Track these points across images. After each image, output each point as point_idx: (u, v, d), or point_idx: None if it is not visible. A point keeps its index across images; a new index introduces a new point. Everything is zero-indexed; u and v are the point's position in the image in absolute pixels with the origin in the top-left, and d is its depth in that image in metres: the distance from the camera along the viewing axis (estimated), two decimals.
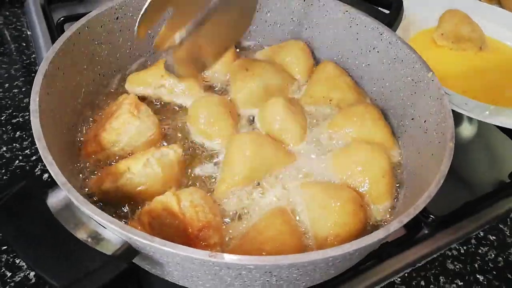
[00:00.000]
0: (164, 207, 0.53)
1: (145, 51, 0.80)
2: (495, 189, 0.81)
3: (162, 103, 0.74)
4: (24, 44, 1.11)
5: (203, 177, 0.64)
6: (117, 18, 0.72)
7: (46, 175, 0.78)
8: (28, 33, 1.13)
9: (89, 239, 0.44)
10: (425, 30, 1.00)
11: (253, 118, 0.73)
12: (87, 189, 0.60)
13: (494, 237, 0.74)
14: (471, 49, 0.95)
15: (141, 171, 0.58)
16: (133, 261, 0.46)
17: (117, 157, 0.63)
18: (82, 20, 0.66)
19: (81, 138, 0.66)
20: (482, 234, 0.75)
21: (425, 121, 0.65)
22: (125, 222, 0.56)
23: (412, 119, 0.69)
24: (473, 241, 0.74)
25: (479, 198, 0.79)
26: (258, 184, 0.62)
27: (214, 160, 0.66)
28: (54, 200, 0.47)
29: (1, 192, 0.63)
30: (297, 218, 0.59)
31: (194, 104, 0.69)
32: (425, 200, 0.48)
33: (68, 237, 0.43)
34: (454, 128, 0.57)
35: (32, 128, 0.50)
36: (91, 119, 0.70)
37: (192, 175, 0.64)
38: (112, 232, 0.44)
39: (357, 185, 0.62)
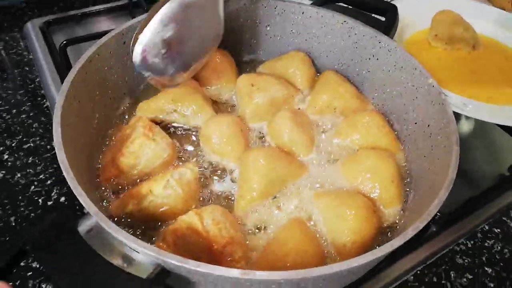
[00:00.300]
0: (188, 226, 0.56)
1: None
2: (496, 183, 0.85)
3: (174, 125, 0.76)
4: (27, 69, 1.12)
5: (220, 194, 0.66)
6: (124, 43, 0.74)
7: (63, 198, 0.80)
8: (30, 57, 1.15)
9: (124, 264, 0.47)
10: (419, 31, 1.03)
11: (262, 131, 0.76)
12: (108, 212, 0.62)
13: (498, 230, 0.77)
14: (465, 48, 0.97)
15: (162, 192, 0.60)
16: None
17: (136, 180, 0.65)
18: (93, 48, 0.68)
19: (99, 164, 0.68)
20: (487, 227, 0.78)
21: (428, 126, 0.68)
22: (151, 242, 0.58)
23: (416, 123, 0.72)
24: (479, 235, 0.77)
25: (482, 193, 0.82)
26: (275, 197, 0.64)
27: (230, 177, 0.68)
28: (85, 228, 0.49)
29: (19, 224, 0.66)
30: (314, 227, 0.61)
31: (206, 125, 0.71)
32: (436, 206, 0.51)
33: (104, 264, 0.45)
34: (458, 132, 0.60)
35: (59, 161, 0.52)
36: (106, 143, 0.72)
37: (210, 192, 0.66)
38: (145, 256, 0.46)
39: (368, 191, 0.65)
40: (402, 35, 1.00)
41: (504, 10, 1.17)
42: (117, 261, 0.46)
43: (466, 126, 0.95)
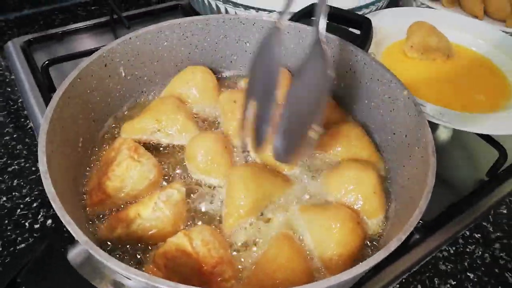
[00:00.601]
0: (177, 248, 0.56)
1: (134, 92, 0.83)
2: (475, 188, 0.87)
3: (159, 144, 0.77)
4: (9, 89, 1.11)
5: (208, 213, 0.67)
6: (105, 65, 0.75)
7: (49, 221, 0.80)
8: (12, 77, 1.14)
9: None
10: (395, 42, 1.06)
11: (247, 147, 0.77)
12: (96, 235, 0.62)
13: (479, 235, 0.80)
14: (440, 58, 1.01)
15: (150, 215, 0.61)
16: None
17: (123, 203, 0.66)
18: (74, 72, 0.68)
19: (85, 187, 0.68)
20: (468, 233, 0.80)
21: (406, 136, 0.70)
22: (138, 265, 0.59)
23: (394, 134, 0.74)
24: (460, 240, 0.79)
25: (463, 198, 0.85)
26: (261, 213, 0.65)
27: (216, 195, 0.69)
28: (74, 256, 0.49)
29: (6, 248, 0.65)
30: (302, 241, 0.63)
31: (191, 143, 0.72)
32: (417, 216, 0.53)
33: None
34: (434, 143, 0.63)
35: (45, 190, 0.52)
36: (91, 166, 0.72)
37: (198, 211, 0.67)
38: (136, 282, 0.47)
39: (352, 203, 0.67)
40: (379, 46, 1.03)
41: (477, 18, 1.21)
42: None
43: (444, 134, 0.98)
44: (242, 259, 0.60)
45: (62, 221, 0.49)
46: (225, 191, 0.67)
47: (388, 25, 1.04)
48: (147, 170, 0.67)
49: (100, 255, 0.46)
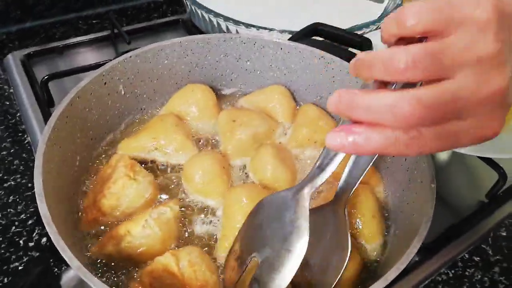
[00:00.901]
0: (164, 268, 0.56)
1: (133, 109, 0.83)
2: (475, 210, 0.87)
3: (156, 162, 0.76)
4: (8, 103, 1.11)
5: (202, 233, 0.67)
6: (105, 84, 0.75)
7: (44, 239, 0.79)
8: (10, 90, 1.14)
9: None
10: None
11: (245, 166, 0.77)
12: (89, 254, 0.62)
13: (478, 258, 0.79)
14: None
15: (140, 232, 0.61)
16: None
17: (118, 221, 0.65)
18: (73, 92, 0.68)
19: (81, 204, 0.68)
20: (467, 256, 0.79)
21: (405, 160, 0.70)
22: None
23: (393, 156, 0.73)
24: (459, 263, 0.78)
25: (463, 220, 0.84)
26: None
27: (213, 216, 0.68)
28: (67, 281, 0.49)
29: (3, 266, 0.65)
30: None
31: (188, 164, 0.71)
32: (416, 245, 0.53)
33: None
34: (434, 168, 0.62)
35: (40, 213, 0.52)
36: (86, 183, 0.72)
37: (191, 231, 0.67)
38: None
39: (351, 226, 0.66)
40: None
41: None
42: None
43: (444, 153, 0.97)
44: None
45: (56, 246, 0.49)
46: (222, 212, 0.66)
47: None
48: (143, 189, 0.67)
49: (94, 283, 0.45)
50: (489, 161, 0.87)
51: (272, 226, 0.54)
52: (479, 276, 0.76)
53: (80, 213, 0.67)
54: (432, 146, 0.39)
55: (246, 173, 0.76)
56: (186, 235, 0.66)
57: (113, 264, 0.61)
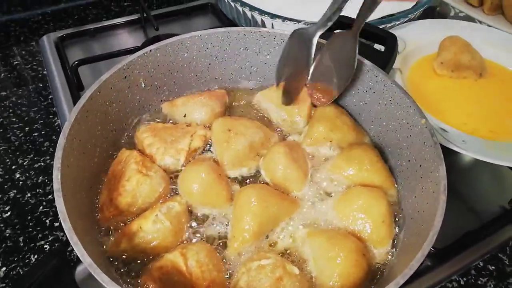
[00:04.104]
0: (173, 265, 0.59)
1: (153, 101, 0.85)
2: (495, 216, 0.84)
3: None
4: (41, 85, 1.16)
5: (211, 230, 0.68)
6: (125, 77, 0.76)
7: None
8: (44, 72, 1.19)
9: None
10: (425, 57, 1.01)
11: (242, 177, 0.76)
12: (105, 249, 0.64)
13: (493, 267, 0.77)
14: (471, 77, 0.96)
15: (152, 227, 0.63)
16: None
17: (134, 216, 0.67)
18: (94, 86, 0.70)
19: (98, 198, 0.70)
20: (481, 264, 0.78)
21: (420, 166, 0.68)
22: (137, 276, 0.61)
23: (409, 161, 0.72)
24: (472, 271, 0.77)
25: (481, 227, 0.82)
26: (267, 237, 0.66)
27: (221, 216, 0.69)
28: (81, 275, 0.52)
29: (27, 244, 0.69)
30: (306, 267, 0.63)
31: (183, 177, 0.71)
32: (419, 259, 0.53)
33: None
34: (446, 180, 0.61)
35: (57, 208, 0.55)
36: (103, 180, 0.73)
37: (201, 221, 0.68)
38: None
39: (359, 230, 0.66)
40: (408, 60, 0.99)
41: None
42: None
43: (467, 156, 0.94)
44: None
45: (70, 242, 0.52)
46: (232, 212, 0.68)
47: (418, 38, 1.00)
48: (157, 183, 0.69)
49: (103, 280, 0.48)
50: None
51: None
52: (492, 286, 0.75)
53: (97, 209, 0.69)
54: None
55: (245, 180, 0.75)
56: (196, 227, 0.68)
57: (128, 258, 0.63)
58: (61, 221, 0.53)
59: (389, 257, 0.66)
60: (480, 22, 1.18)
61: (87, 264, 0.50)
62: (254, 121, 0.81)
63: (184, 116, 0.82)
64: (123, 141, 0.80)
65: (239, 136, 0.75)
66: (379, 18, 1.08)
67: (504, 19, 1.26)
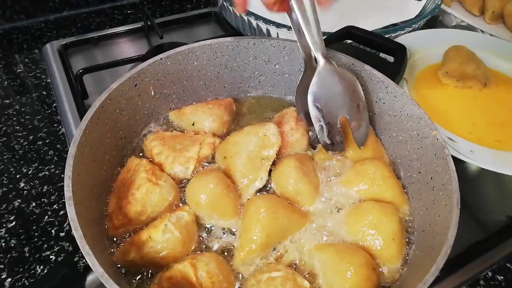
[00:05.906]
0: (183, 276, 0.58)
1: (162, 109, 0.85)
2: (503, 226, 0.84)
3: None
4: (45, 93, 1.15)
5: (221, 240, 0.67)
6: (135, 85, 0.76)
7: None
8: (48, 80, 1.18)
9: None
10: (430, 65, 1.02)
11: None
12: (114, 258, 0.64)
13: (502, 277, 0.77)
14: (476, 86, 0.97)
15: (161, 237, 0.62)
16: None
17: (143, 225, 0.67)
18: (104, 94, 0.70)
19: (107, 206, 0.69)
20: (490, 274, 0.78)
21: (431, 178, 0.68)
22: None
23: (419, 172, 0.72)
24: (481, 282, 0.77)
25: (488, 237, 0.82)
26: (274, 248, 0.65)
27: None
28: (91, 284, 0.51)
29: (33, 254, 0.67)
30: (313, 281, 0.62)
31: (191, 187, 0.70)
32: (433, 273, 0.52)
33: None
34: (459, 192, 0.60)
35: (69, 217, 0.54)
36: (114, 184, 0.73)
37: (209, 232, 0.68)
38: None
39: (369, 246, 0.65)
40: (413, 69, 1.00)
41: None
42: None
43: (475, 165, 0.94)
44: None
45: (82, 251, 0.51)
46: (241, 221, 0.67)
47: (424, 47, 1.01)
48: (166, 192, 0.69)
49: None
50: None
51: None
52: None
53: (106, 218, 0.68)
54: None
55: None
56: (205, 237, 0.67)
57: (136, 268, 0.63)
58: (73, 229, 0.53)
59: (399, 273, 0.65)
60: (482, 31, 1.20)
61: (99, 274, 0.49)
62: (241, 130, 0.77)
63: (193, 125, 0.82)
64: (132, 149, 0.79)
65: (235, 157, 0.73)
66: (383, 28, 1.09)
67: (505, 28, 1.28)
